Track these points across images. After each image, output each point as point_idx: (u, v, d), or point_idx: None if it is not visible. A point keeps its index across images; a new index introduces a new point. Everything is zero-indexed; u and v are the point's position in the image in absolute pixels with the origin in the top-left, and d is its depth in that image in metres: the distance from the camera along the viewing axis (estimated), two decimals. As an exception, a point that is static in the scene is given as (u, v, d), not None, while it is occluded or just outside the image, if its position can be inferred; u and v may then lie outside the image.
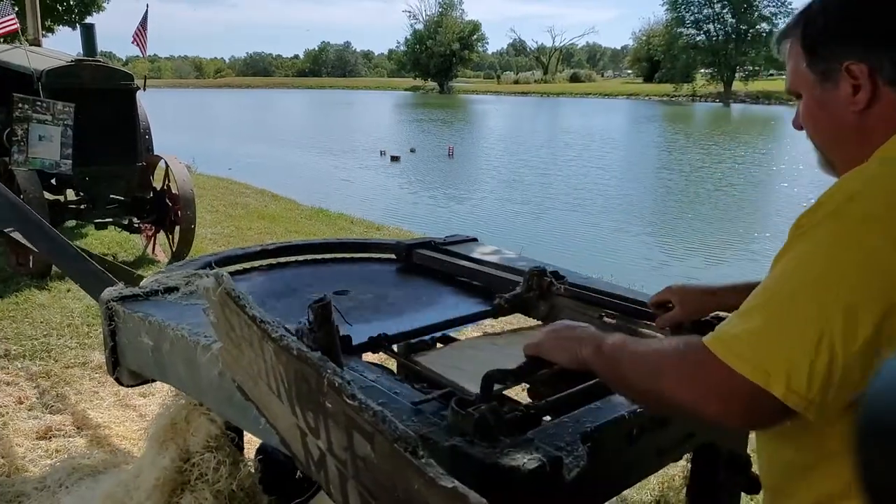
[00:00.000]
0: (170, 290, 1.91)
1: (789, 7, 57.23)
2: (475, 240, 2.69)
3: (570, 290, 1.91)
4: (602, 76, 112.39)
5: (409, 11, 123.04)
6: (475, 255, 2.44)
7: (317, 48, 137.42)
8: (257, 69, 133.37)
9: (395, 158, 18.14)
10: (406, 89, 76.99)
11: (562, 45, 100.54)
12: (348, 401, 0.92)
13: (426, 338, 1.78)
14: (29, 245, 4.23)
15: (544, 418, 1.26)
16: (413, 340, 1.73)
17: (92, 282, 2.94)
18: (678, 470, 2.67)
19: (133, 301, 1.84)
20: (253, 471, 1.95)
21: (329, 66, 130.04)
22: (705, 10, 58.71)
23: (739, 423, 0.82)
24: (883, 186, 0.81)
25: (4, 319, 4.40)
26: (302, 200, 10.39)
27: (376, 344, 1.58)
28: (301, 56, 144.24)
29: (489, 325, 3.05)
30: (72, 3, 15.77)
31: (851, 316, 0.75)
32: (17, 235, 4.44)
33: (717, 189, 14.01)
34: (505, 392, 1.30)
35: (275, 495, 1.99)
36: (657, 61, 65.83)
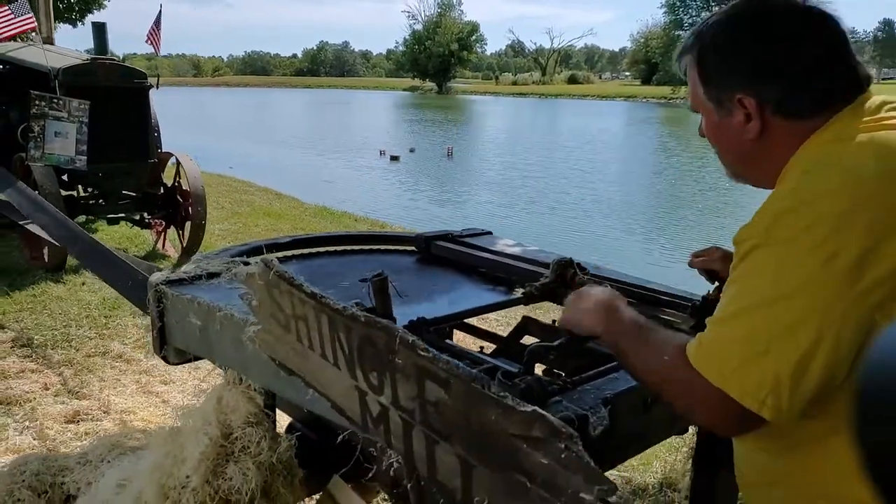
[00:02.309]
0: (212, 275, 2.03)
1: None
2: (490, 233, 2.81)
3: (594, 279, 2.04)
4: (600, 78, 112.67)
5: (409, 12, 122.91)
6: (492, 247, 2.56)
7: (315, 48, 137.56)
8: (255, 68, 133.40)
9: (394, 158, 18.24)
10: (404, 89, 77.16)
11: (560, 46, 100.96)
12: (422, 353, 1.06)
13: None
14: (47, 238, 4.36)
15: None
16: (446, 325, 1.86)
17: (114, 273, 3.07)
18: (682, 455, 2.82)
19: (180, 285, 1.97)
20: (289, 445, 2.07)
21: (327, 65, 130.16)
22: (703, 14, 59.03)
23: (724, 432, 0.96)
24: (817, 192, 0.87)
25: (24, 311, 4.51)
26: (304, 198, 10.51)
27: (416, 327, 1.70)
28: (299, 55, 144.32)
29: (514, 311, 3.19)
30: (72, 1, 15.85)
31: (818, 328, 0.84)
32: (33, 228, 4.56)
33: (709, 190, 14.13)
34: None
35: (307, 469, 2.12)
36: (655, 63, 66.12)
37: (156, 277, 2.00)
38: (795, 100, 0.96)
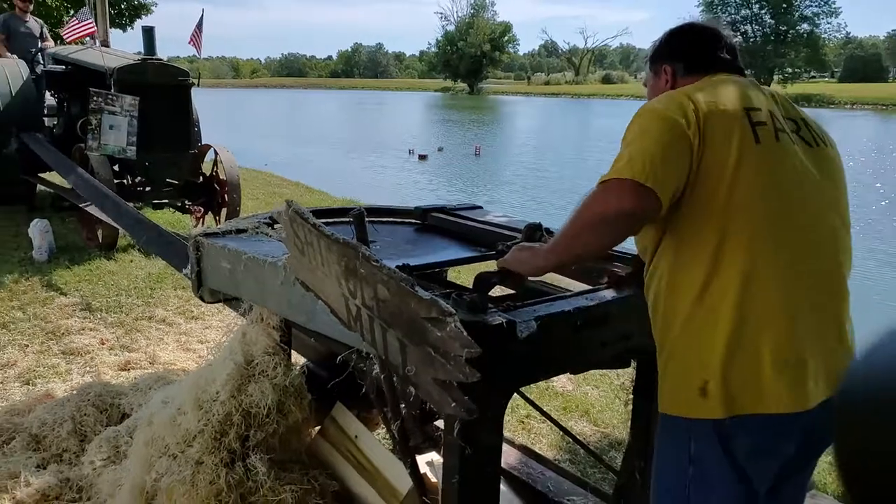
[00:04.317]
0: (240, 230, 2.51)
1: (832, 6, 56.55)
2: (480, 207, 3.25)
3: (552, 240, 2.47)
4: (635, 77, 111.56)
5: (441, 13, 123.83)
6: (481, 218, 3.00)
7: (349, 49, 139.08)
8: (292, 70, 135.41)
9: (422, 157, 18.61)
10: (436, 90, 77.62)
11: (594, 46, 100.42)
12: (374, 264, 1.51)
13: (438, 270, 2.35)
14: (105, 219, 4.94)
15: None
16: (428, 271, 2.30)
17: (166, 249, 3.59)
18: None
19: (214, 237, 2.45)
20: (300, 372, 2.54)
21: (361, 67, 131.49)
22: (742, 11, 58.00)
23: (630, 203, 1.35)
24: (661, 100, 1.51)
25: (82, 282, 5.11)
26: (333, 193, 11.06)
27: (403, 271, 2.14)
28: (334, 57, 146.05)
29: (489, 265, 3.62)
30: (122, 8, 16.82)
31: (658, 143, 1.39)
32: (92, 210, 5.15)
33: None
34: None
35: (314, 395, 2.58)
36: (691, 63, 65.21)
37: (195, 231, 2.49)
38: (686, 69, 1.65)
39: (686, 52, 1.67)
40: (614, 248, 2.37)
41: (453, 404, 1.39)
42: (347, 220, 3.29)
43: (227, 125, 25.64)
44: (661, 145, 1.39)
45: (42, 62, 7.23)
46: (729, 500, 1.41)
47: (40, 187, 7.16)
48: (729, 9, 58.28)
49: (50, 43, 7.71)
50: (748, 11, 57.84)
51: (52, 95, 7.18)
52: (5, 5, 15.13)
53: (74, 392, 2.92)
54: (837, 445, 0.58)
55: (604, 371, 3.86)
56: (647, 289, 1.59)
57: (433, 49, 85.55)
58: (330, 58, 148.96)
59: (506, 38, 79.52)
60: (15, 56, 7.05)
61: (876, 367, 0.58)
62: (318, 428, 2.58)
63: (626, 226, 1.41)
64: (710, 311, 1.39)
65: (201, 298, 2.56)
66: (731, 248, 1.39)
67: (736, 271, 1.38)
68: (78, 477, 2.43)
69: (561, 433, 3.09)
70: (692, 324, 1.42)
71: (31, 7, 7.62)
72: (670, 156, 1.39)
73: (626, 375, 2.68)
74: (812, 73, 58.34)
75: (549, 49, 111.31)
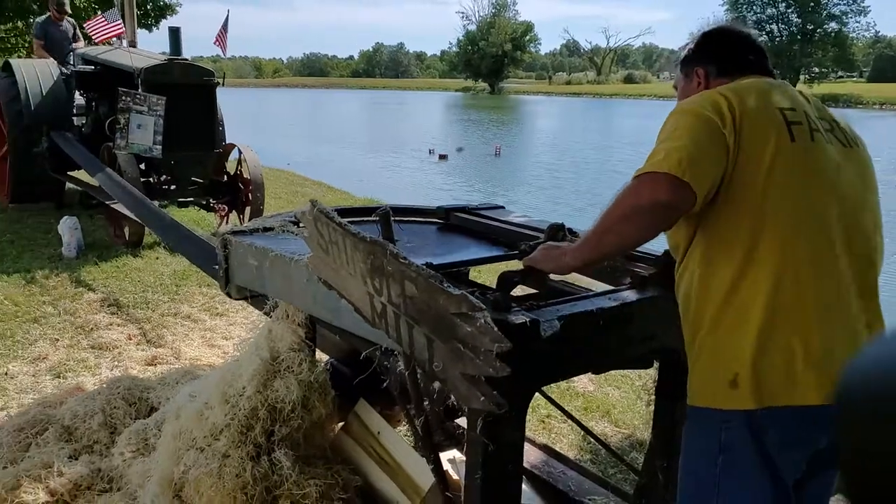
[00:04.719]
0: (267, 229, 2.56)
1: (861, 4, 55.63)
2: (503, 207, 3.27)
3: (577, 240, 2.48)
4: (658, 77, 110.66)
5: (463, 12, 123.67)
6: (502, 217, 3.02)
7: (371, 49, 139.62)
8: (313, 69, 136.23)
9: (442, 157, 18.64)
10: (457, 90, 77.63)
11: (616, 45, 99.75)
12: (402, 261, 1.54)
13: (460, 269, 2.38)
14: (132, 216, 5.03)
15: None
16: (450, 270, 2.32)
17: (187, 246, 3.66)
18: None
19: (241, 235, 2.50)
20: (324, 369, 2.58)
21: (383, 66, 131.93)
22: (768, 10, 57.25)
23: (665, 195, 1.36)
24: (695, 100, 1.51)
25: (110, 278, 5.21)
26: (355, 192, 11.13)
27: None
28: (356, 57, 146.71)
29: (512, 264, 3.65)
30: (148, 8, 17.08)
31: (694, 139, 1.40)
32: (119, 207, 5.25)
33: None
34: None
35: (338, 391, 2.62)
36: (715, 63, 64.52)
37: (223, 230, 2.54)
38: (719, 71, 1.67)
39: (718, 55, 1.68)
40: (637, 249, 2.38)
41: (482, 398, 1.41)
42: (371, 219, 3.33)
43: (249, 125, 25.88)
44: (696, 142, 1.40)
45: (72, 62, 7.38)
46: (758, 488, 1.43)
47: (69, 185, 7.30)
48: (755, 7, 57.58)
49: (81, 43, 7.87)
50: (774, 10, 57.10)
51: (81, 95, 7.32)
52: (35, 6, 15.44)
53: (104, 385, 2.99)
54: (838, 445, 0.58)
55: (625, 372, 3.86)
56: (677, 286, 1.60)
57: (454, 49, 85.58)
58: (351, 57, 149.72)
59: (527, 37, 79.31)
60: (46, 54, 7.21)
61: (874, 367, 0.57)
62: (341, 424, 2.62)
63: (661, 218, 1.42)
64: (741, 307, 1.41)
65: (228, 295, 2.61)
66: (764, 245, 1.40)
67: (768, 268, 1.39)
68: (108, 468, 2.49)
69: (582, 433, 3.10)
70: (724, 319, 1.44)
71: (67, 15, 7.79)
72: (706, 152, 1.40)
73: (648, 376, 2.68)
74: (840, 73, 57.33)
75: (571, 48, 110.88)
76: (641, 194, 1.40)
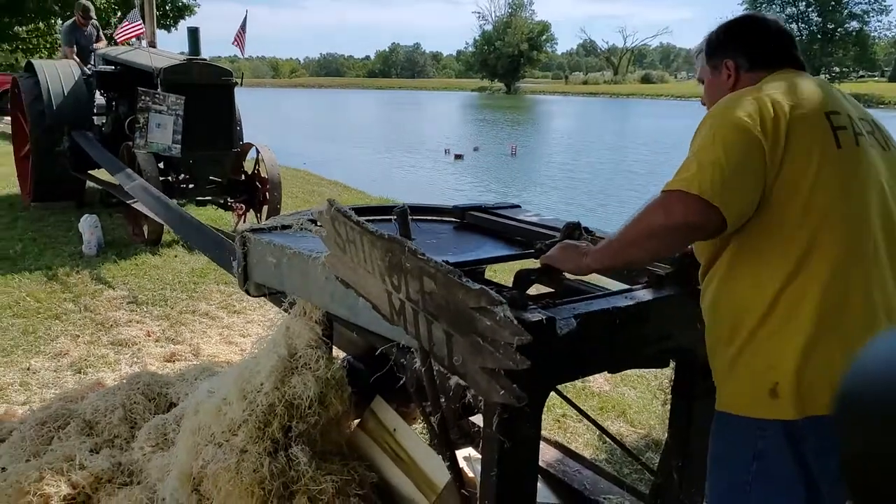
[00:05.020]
0: (285, 226, 2.58)
1: (882, 3, 54.89)
2: (518, 206, 3.27)
3: (595, 240, 2.47)
4: (675, 77, 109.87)
5: (479, 12, 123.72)
6: (517, 216, 3.02)
7: (387, 49, 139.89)
8: (330, 70, 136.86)
9: (458, 156, 18.68)
10: (473, 90, 77.61)
11: (634, 45, 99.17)
12: (420, 257, 1.55)
13: (476, 267, 2.39)
14: (151, 215, 5.09)
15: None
16: (466, 268, 2.33)
17: (205, 244, 3.69)
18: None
19: (260, 232, 2.52)
20: (341, 366, 2.60)
21: (399, 67, 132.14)
22: (788, 9, 56.67)
23: (693, 219, 1.32)
24: (736, 104, 1.42)
25: (129, 276, 5.28)
26: (370, 192, 11.18)
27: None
28: (372, 57, 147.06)
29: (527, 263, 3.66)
30: (167, 9, 17.28)
31: (730, 156, 1.34)
32: (139, 206, 5.31)
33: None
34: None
35: (354, 388, 2.63)
36: (733, 62, 64.00)
37: (242, 227, 2.56)
38: (750, 63, 1.58)
39: (749, 45, 1.59)
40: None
41: (501, 392, 1.42)
42: (387, 218, 3.34)
43: (266, 124, 26.04)
44: (733, 159, 1.33)
45: (93, 62, 7.48)
46: (792, 496, 1.41)
47: (89, 184, 7.40)
48: (774, 6, 57.00)
49: (103, 43, 7.97)
50: (794, 9, 56.51)
51: (101, 95, 7.41)
52: (56, 6, 15.67)
53: (124, 381, 3.03)
54: (840, 449, 0.58)
55: (642, 372, 3.85)
56: (703, 292, 1.57)
57: (470, 48, 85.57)
58: (368, 57, 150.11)
59: (544, 37, 79.10)
60: (78, 60, 7.31)
61: (875, 371, 0.57)
62: (357, 420, 2.64)
63: (686, 240, 1.42)
64: (785, 317, 1.38)
65: (247, 292, 2.63)
66: (807, 254, 1.37)
67: (815, 278, 1.36)
68: (129, 462, 2.53)
69: (597, 432, 3.10)
70: (764, 328, 1.41)
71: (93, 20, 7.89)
72: (742, 173, 1.33)
73: (664, 376, 2.67)
74: (861, 73, 56.58)
75: (588, 48, 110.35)
76: (669, 213, 1.35)
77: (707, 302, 1.55)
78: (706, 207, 1.31)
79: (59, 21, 16.10)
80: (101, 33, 7.95)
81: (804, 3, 56.14)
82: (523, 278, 1.82)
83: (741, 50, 1.59)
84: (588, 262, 1.60)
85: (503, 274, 4.15)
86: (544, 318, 1.59)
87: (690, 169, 1.35)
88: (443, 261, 2.29)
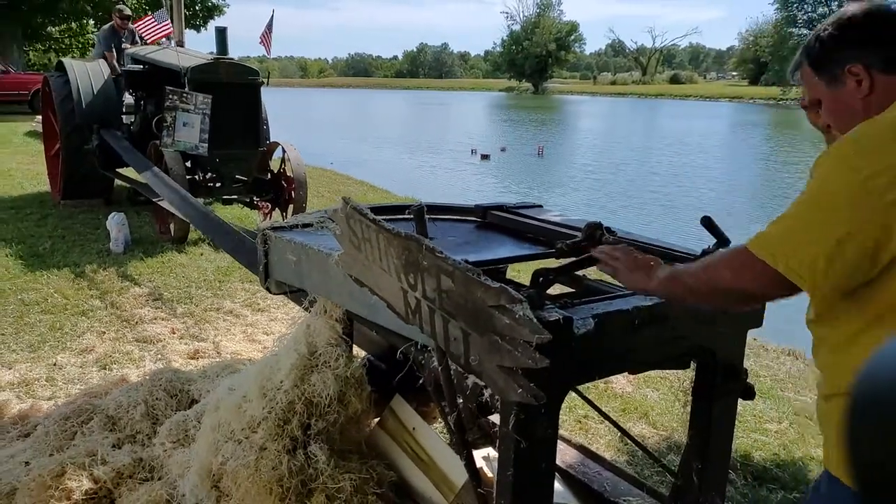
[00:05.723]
0: (306, 225, 2.58)
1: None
2: (540, 206, 3.23)
3: (618, 240, 2.43)
4: (705, 78, 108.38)
5: (507, 13, 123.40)
6: (539, 216, 2.99)
7: (415, 49, 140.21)
8: (358, 69, 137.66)
9: (485, 157, 18.62)
10: (500, 90, 77.42)
11: (662, 45, 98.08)
12: (438, 255, 1.53)
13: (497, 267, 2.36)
14: (177, 213, 5.14)
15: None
16: (487, 268, 2.31)
17: (230, 241, 3.71)
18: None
19: (281, 230, 2.53)
20: (360, 364, 2.59)
21: (426, 67, 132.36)
22: (820, 9, 55.58)
23: (768, 293, 1.21)
24: (868, 133, 1.14)
25: (155, 273, 5.34)
26: (396, 191, 11.20)
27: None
28: (400, 57, 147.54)
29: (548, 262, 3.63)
30: (196, 9, 17.53)
31: (837, 230, 1.09)
32: (165, 205, 5.37)
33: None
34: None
35: (374, 387, 2.63)
36: (764, 63, 63.13)
37: (263, 225, 2.57)
38: (886, 64, 1.23)
39: (883, 41, 1.24)
40: (673, 247, 2.33)
41: (519, 390, 1.40)
42: (405, 216, 3.33)
43: (293, 124, 26.24)
44: (838, 235, 1.10)
45: (123, 62, 7.60)
46: None
47: (117, 182, 7.52)
48: (805, 6, 55.93)
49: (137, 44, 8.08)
50: (826, 9, 55.32)
51: (130, 94, 7.52)
52: (89, 7, 15.97)
53: (147, 377, 3.06)
54: (848, 457, 0.57)
55: (664, 373, 3.79)
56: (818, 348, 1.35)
57: (498, 49, 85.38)
58: (395, 58, 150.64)
59: (572, 37, 78.71)
60: (116, 65, 7.44)
61: (883, 378, 0.56)
62: (377, 419, 2.63)
63: (754, 305, 1.33)
64: None
65: (268, 289, 2.64)
66: None
67: None
68: (150, 457, 2.55)
69: (619, 434, 3.05)
70: None
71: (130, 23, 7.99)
72: (845, 256, 1.10)
73: (686, 378, 2.62)
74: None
75: (616, 48, 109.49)
76: (742, 279, 1.23)
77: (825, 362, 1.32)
78: (785, 284, 1.16)
79: (92, 21, 16.38)
80: (137, 37, 8.04)
81: (836, 3, 54.95)
82: (542, 277, 1.79)
83: (872, 46, 1.24)
84: (652, 287, 1.49)
85: (527, 274, 4.11)
86: (562, 317, 1.57)
87: (782, 224, 1.18)
88: (462, 259, 2.28)
